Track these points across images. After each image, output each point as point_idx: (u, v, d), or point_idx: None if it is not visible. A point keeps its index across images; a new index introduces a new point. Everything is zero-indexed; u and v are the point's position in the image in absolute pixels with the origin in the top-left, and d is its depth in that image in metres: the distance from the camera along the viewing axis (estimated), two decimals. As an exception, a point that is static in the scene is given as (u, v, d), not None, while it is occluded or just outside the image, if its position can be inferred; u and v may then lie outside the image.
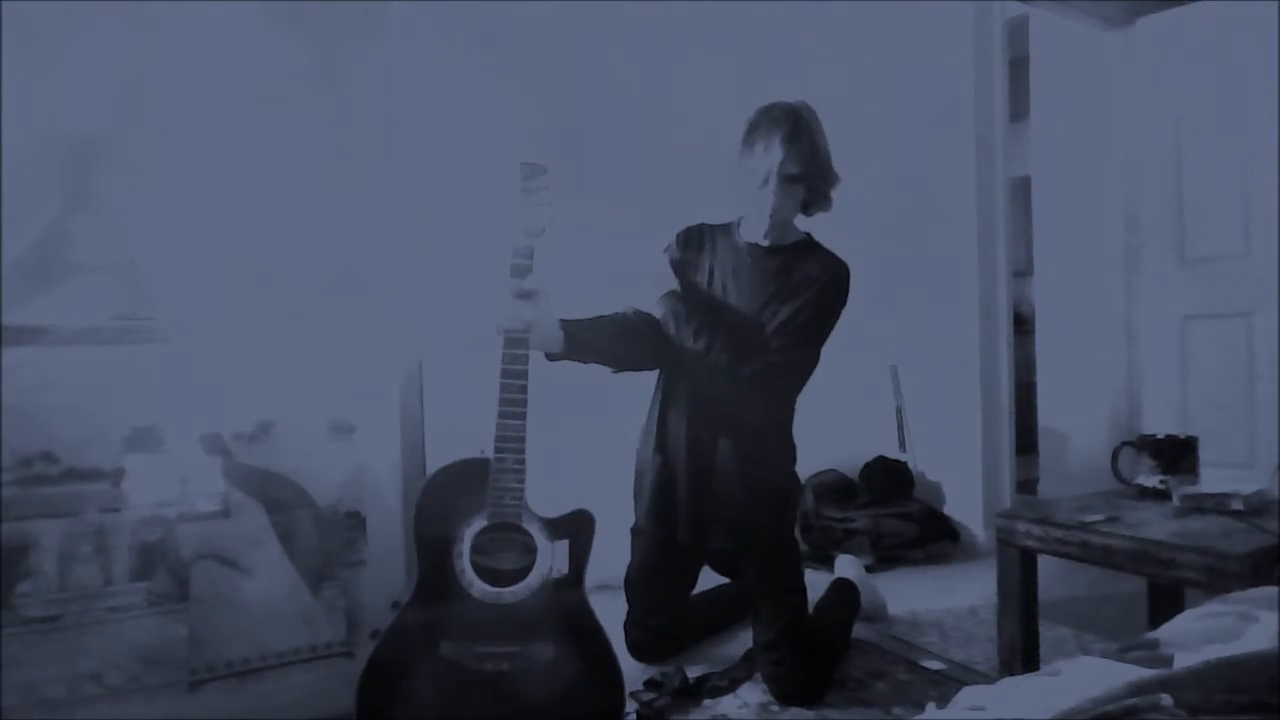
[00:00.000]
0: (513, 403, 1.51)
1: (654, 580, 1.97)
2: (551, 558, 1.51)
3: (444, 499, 1.52)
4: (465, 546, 1.49)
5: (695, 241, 1.94)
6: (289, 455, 1.67)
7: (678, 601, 2.04)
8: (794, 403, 1.93)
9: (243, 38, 1.75)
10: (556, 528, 1.52)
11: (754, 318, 1.81)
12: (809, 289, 1.83)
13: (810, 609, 1.97)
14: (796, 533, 2.04)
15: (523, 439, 1.50)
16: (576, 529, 1.54)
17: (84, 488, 1.48)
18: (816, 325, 1.83)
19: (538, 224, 1.57)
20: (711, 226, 1.97)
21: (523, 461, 1.50)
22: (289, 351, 1.70)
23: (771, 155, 1.74)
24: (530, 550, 1.51)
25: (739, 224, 1.93)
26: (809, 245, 1.93)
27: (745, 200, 1.83)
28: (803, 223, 1.95)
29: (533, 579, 1.50)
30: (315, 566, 1.69)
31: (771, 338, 1.79)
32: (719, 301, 1.86)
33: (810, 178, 1.80)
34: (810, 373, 1.87)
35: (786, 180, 1.77)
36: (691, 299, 1.85)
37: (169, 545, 1.55)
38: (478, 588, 1.49)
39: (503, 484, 1.49)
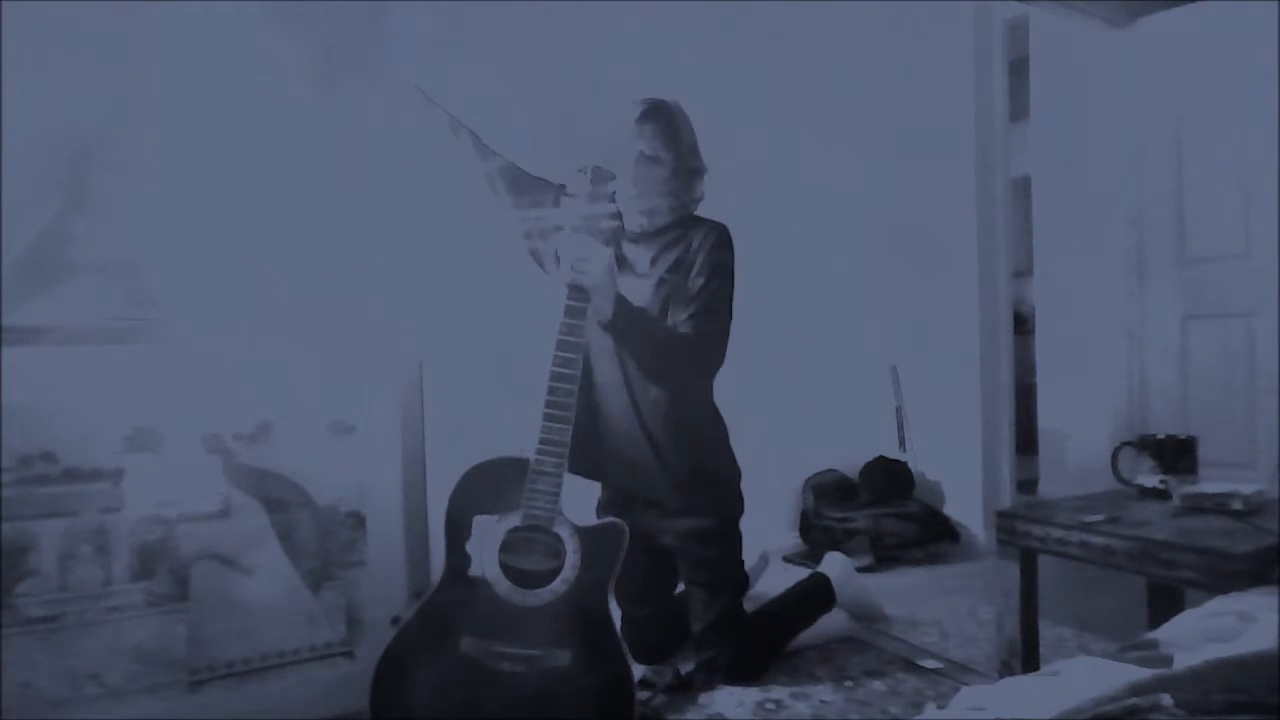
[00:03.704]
0: (559, 405, 1.51)
1: (631, 576, 1.97)
2: (579, 565, 1.51)
3: (478, 494, 1.52)
4: (495, 545, 1.49)
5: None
6: (289, 455, 1.67)
7: (659, 596, 2.05)
8: (711, 381, 1.95)
9: (242, 37, 1.75)
10: (587, 535, 1.52)
11: (648, 298, 1.85)
12: (697, 255, 1.86)
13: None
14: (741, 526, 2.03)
15: (566, 443, 1.51)
16: (607, 539, 1.54)
17: (84, 488, 1.49)
18: (716, 286, 1.85)
19: (604, 234, 1.60)
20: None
21: (562, 466, 1.50)
22: (289, 351, 1.70)
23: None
24: (557, 554, 1.51)
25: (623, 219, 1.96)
26: (687, 219, 1.95)
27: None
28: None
29: (559, 584, 1.50)
30: (315, 566, 1.69)
31: (681, 311, 1.82)
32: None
33: (668, 161, 1.86)
34: (724, 342, 1.87)
35: (645, 159, 1.83)
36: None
37: (169, 545, 1.55)
38: (503, 586, 1.49)
39: (540, 486, 1.50)
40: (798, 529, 3.07)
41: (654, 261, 1.91)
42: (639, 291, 1.85)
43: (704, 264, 1.85)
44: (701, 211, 1.99)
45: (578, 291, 1.57)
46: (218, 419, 1.61)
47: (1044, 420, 3.70)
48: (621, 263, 1.92)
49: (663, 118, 1.85)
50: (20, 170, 1.50)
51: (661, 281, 1.87)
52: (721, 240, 1.91)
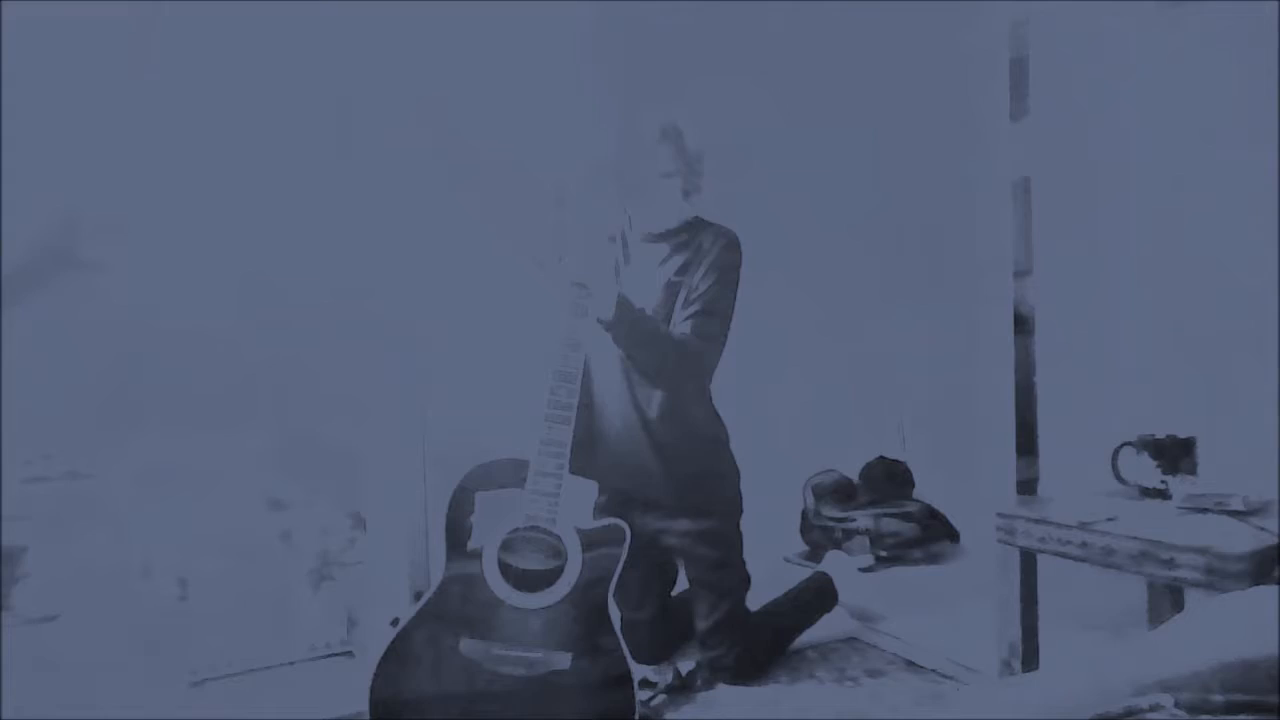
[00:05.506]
0: (561, 406, 1.51)
1: (631, 577, 1.97)
2: (581, 566, 1.51)
3: (480, 495, 1.52)
4: (495, 546, 1.49)
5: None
6: (289, 455, 1.67)
7: (659, 597, 2.05)
8: (709, 381, 1.98)
9: (239, 36, 1.76)
10: (589, 537, 1.52)
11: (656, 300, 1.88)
12: (704, 259, 1.90)
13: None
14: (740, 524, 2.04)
15: (567, 444, 1.51)
16: (608, 540, 1.54)
17: (84, 488, 1.49)
18: (718, 291, 1.89)
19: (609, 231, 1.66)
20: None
21: (564, 467, 1.51)
22: (290, 351, 1.70)
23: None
24: (558, 554, 1.51)
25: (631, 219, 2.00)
26: (696, 223, 2.00)
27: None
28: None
29: (560, 587, 1.50)
30: (315, 566, 1.69)
31: (682, 310, 1.86)
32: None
33: (681, 171, 1.92)
34: (722, 343, 1.91)
35: (662, 178, 1.89)
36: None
37: (168, 546, 1.56)
38: (503, 589, 1.49)
39: (541, 488, 1.50)
40: (798, 529, 3.07)
41: (662, 264, 1.93)
42: (646, 293, 1.86)
43: (710, 267, 1.88)
44: (703, 211, 1.99)
45: (581, 290, 1.57)
46: (218, 419, 1.61)
47: (1044, 420, 3.70)
48: (629, 262, 1.93)
49: (675, 137, 1.89)
50: (21, 172, 1.50)
51: (669, 284, 1.89)
52: (730, 245, 1.94)
